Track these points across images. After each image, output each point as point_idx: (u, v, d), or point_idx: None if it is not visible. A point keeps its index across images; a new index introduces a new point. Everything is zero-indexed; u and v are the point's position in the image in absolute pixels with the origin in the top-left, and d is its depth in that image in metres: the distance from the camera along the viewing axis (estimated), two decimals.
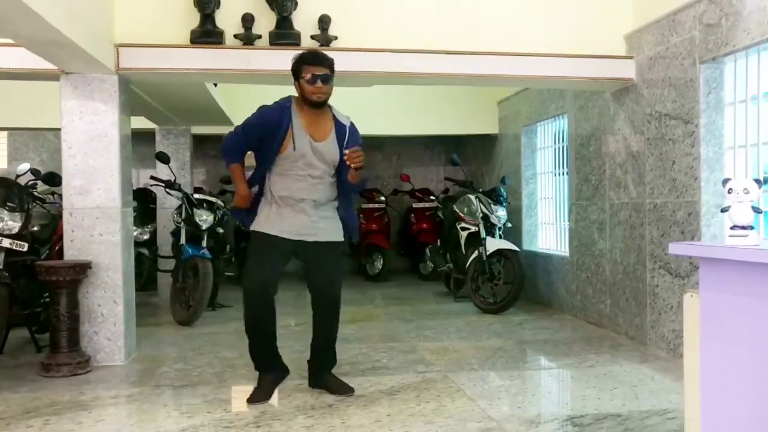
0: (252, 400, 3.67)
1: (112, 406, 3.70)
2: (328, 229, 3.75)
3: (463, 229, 7.05)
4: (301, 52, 3.78)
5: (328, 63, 3.65)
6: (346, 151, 3.57)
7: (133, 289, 4.91)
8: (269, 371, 3.79)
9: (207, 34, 4.59)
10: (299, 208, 3.67)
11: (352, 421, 3.36)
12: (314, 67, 3.60)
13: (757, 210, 2.36)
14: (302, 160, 3.64)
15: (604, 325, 5.64)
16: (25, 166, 6.55)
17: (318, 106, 3.67)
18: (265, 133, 3.64)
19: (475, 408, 3.56)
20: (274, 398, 3.75)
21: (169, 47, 4.57)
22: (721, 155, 4.33)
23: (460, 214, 7.09)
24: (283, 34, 4.65)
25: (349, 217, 3.88)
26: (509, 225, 7.05)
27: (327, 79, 3.61)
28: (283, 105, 3.69)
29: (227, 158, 3.78)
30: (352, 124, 3.83)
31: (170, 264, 6.70)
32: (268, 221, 3.68)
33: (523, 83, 6.25)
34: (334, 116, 3.77)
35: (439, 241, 7.92)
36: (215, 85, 6.53)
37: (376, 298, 7.77)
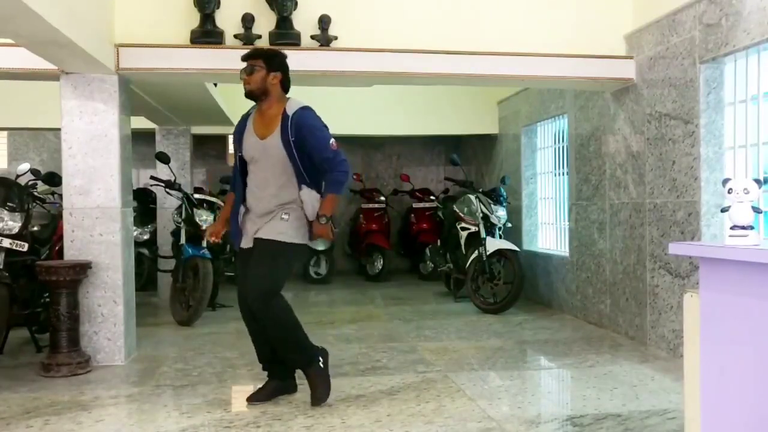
0: (251, 399, 3.67)
1: (112, 406, 3.70)
2: (268, 227, 3.53)
3: (463, 229, 7.05)
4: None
5: (249, 55, 3.67)
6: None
7: (133, 289, 4.91)
8: (273, 378, 3.73)
9: (207, 34, 4.59)
10: (253, 215, 3.63)
11: (352, 421, 3.36)
12: (243, 65, 3.66)
13: (757, 210, 2.36)
14: (252, 162, 3.63)
15: (604, 325, 5.64)
16: (25, 166, 6.55)
17: (252, 98, 3.64)
18: (238, 144, 3.71)
19: (475, 408, 3.56)
20: (274, 398, 3.74)
21: (169, 47, 4.57)
22: (721, 155, 4.33)
23: (460, 214, 7.09)
24: (283, 34, 4.65)
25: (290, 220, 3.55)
26: (509, 225, 7.05)
27: (249, 70, 3.59)
28: (247, 113, 3.75)
29: (229, 189, 3.90)
30: (300, 110, 3.55)
31: (170, 264, 6.70)
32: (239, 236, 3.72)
33: (523, 83, 6.25)
34: (285, 109, 3.58)
35: (439, 241, 7.92)
36: (215, 85, 6.53)
37: (376, 298, 7.77)
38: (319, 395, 3.59)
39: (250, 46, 4.61)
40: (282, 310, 3.52)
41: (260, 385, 3.77)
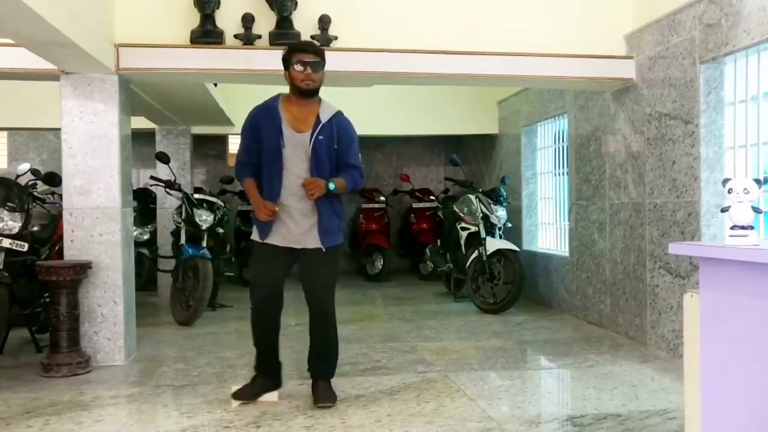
0: (237, 396, 3.66)
1: (112, 406, 3.70)
2: (322, 232, 3.57)
3: (463, 229, 7.05)
4: (291, 42, 3.73)
5: (319, 51, 3.60)
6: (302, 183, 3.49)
7: (133, 289, 4.91)
8: (263, 376, 3.73)
9: (207, 34, 4.59)
10: (286, 213, 3.54)
11: (352, 421, 3.36)
12: (304, 54, 3.54)
13: (757, 210, 2.36)
14: (285, 155, 3.53)
15: (604, 325, 5.64)
16: (25, 166, 6.55)
17: (307, 94, 3.57)
18: (259, 134, 3.57)
19: (475, 408, 3.56)
20: (274, 398, 3.74)
21: (169, 47, 4.57)
22: (721, 155, 4.33)
23: (460, 214, 7.09)
24: (283, 34, 4.65)
25: (330, 217, 3.62)
26: (509, 225, 7.05)
27: (317, 66, 3.53)
28: (270, 104, 3.63)
29: (239, 179, 3.72)
30: (335, 115, 3.64)
31: (170, 264, 6.70)
32: (270, 230, 3.59)
33: (523, 83, 6.25)
34: (319, 111, 3.62)
35: (439, 241, 7.92)
36: (215, 85, 6.53)
37: (376, 298, 7.77)
38: (332, 399, 3.65)
39: (250, 46, 4.63)
40: (334, 313, 3.71)
41: (247, 383, 3.75)
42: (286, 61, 3.58)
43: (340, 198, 3.69)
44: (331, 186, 3.50)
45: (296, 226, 3.55)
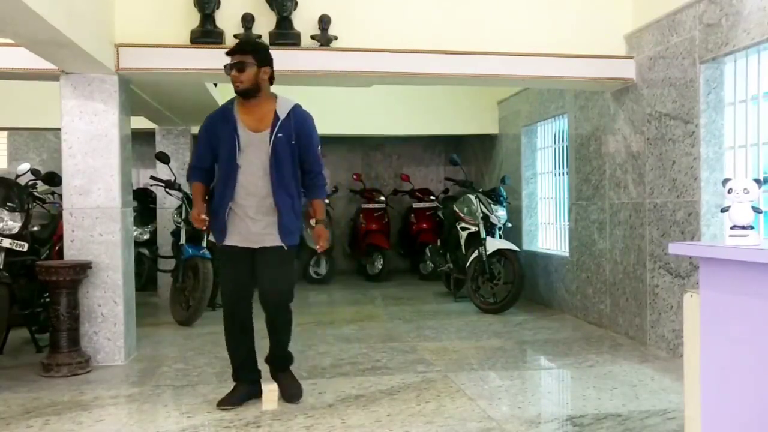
0: (222, 403, 3.59)
1: (112, 406, 3.70)
2: (277, 229, 3.53)
3: (463, 229, 7.05)
4: None
5: (241, 49, 3.51)
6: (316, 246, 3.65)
7: (133, 289, 4.92)
8: (245, 382, 3.70)
9: (207, 34, 4.59)
10: (243, 213, 3.52)
11: (352, 421, 3.36)
12: (229, 57, 3.49)
13: (757, 210, 2.36)
14: (241, 156, 3.48)
15: (604, 325, 5.64)
16: (25, 166, 6.55)
17: (243, 95, 3.50)
18: (214, 140, 3.54)
19: (475, 408, 3.56)
20: (274, 398, 3.74)
21: (169, 47, 4.57)
22: (721, 155, 4.33)
23: (460, 214, 7.09)
24: (283, 34, 4.65)
25: (289, 215, 3.56)
26: (509, 225, 7.05)
27: (241, 67, 3.43)
28: (225, 107, 3.60)
29: (189, 183, 3.71)
30: (293, 109, 3.56)
31: (170, 264, 6.70)
32: (227, 231, 3.57)
33: (523, 83, 6.25)
34: (277, 105, 3.56)
35: (439, 241, 7.92)
36: (215, 85, 6.53)
37: (376, 298, 7.77)
38: (298, 392, 3.70)
39: None
40: (291, 311, 3.70)
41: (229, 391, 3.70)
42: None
43: (300, 197, 3.65)
44: (322, 224, 3.66)
45: (255, 225, 3.52)
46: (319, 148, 3.67)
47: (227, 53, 3.53)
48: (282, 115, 3.53)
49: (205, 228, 3.66)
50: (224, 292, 3.68)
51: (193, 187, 3.67)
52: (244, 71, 3.46)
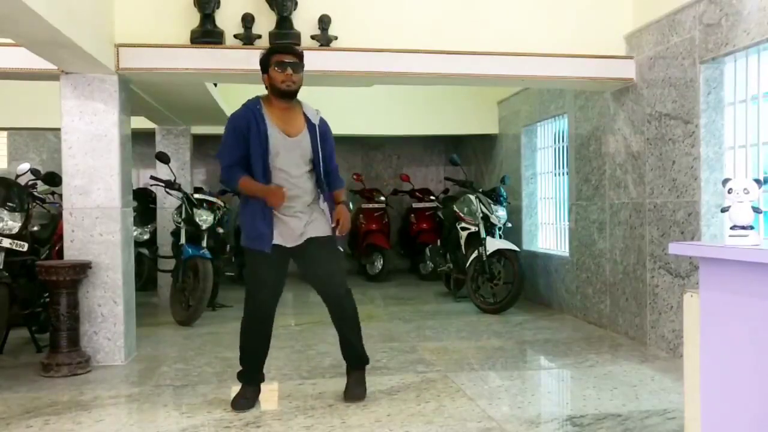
0: (239, 407, 3.57)
1: (112, 406, 3.70)
2: (321, 223, 3.61)
3: (463, 229, 7.05)
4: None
5: (298, 53, 3.58)
6: (335, 225, 3.59)
7: (133, 289, 4.91)
8: (255, 383, 3.69)
9: (207, 34, 4.59)
10: (282, 213, 3.52)
11: (352, 421, 3.36)
12: (284, 55, 3.51)
13: (757, 210, 2.36)
14: (277, 159, 3.51)
15: (604, 325, 5.64)
16: (25, 166, 6.54)
17: (288, 95, 3.53)
18: (245, 140, 3.49)
19: (475, 408, 3.56)
20: (274, 398, 3.74)
21: (169, 47, 4.57)
22: (721, 155, 4.33)
23: (460, 214, 7.09)
24: (283, 34, 4.65)
25: (324, 211, 3.65)
26: (509, 225, 7.05)
27: (296, 67, 3.51)
28: (250, 106, 3.55)
29: (231, 181, 3.55)
30: (321, 119, 3.68)
31: (170, 264, 6.70)
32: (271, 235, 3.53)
33: (523, 83, 6.25)
34: (304, 112, 3.63)
35: (439, 241, 7.92)
36: (215, 85, 6.53)
37: (376, 298, 7.77)
38: (361, 393, 3.72)
39: (250, 47, 4.63)
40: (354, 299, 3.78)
41: (238, 393, 3.67)
42: (265, 64, 3.54)
43: (328, 196, 3.71)
44: (350, 204, 3.61)
45: (298, 222, 3.54)
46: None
47: (283, 51, 3.55)
48: (314, 120, 3.62)
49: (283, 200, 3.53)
50: (254, 295, 3.58)
51: (244, 181, 3.50)
52: (299, 73, 3.55)
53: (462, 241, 7.04)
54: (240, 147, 3.51)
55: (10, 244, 4.51)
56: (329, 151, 3.68)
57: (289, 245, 3.55)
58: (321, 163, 3.61)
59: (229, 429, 3.28)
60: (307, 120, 3.61)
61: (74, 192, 4.54)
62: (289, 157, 3.53)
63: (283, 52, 3.55)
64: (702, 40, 4.29)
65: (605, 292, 5.64)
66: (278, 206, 3.47)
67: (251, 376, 3.67)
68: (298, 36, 4.67)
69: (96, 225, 4.55)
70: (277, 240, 3.52)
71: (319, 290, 3.69)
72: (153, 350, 5.07)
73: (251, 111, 3.53)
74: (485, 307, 6.54)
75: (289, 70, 3.48)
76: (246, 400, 3.61)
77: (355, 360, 3.80)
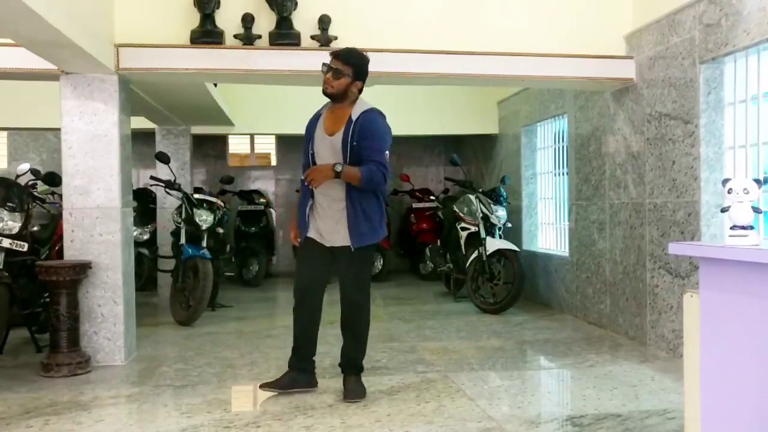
0: (266, 385, 3.78)
1: (112, 406, 3.70)
2: (352, 232, 3.65)
3: (463, 229, 7.05)
4: None
5: (341, 57, 3.65)
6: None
7: (133, 289, 4.91)
8: (295, 369, 3.82)
9: (207, 34, 4.59)
10: (318, 210, 3.71)
11: (352, 421, 3.36)
12: (330, 59, 3.66)
13: (757, 210, 2.36)
14: (317, 156, 3.69)
15: (604, 325, 5.64)
16: (25, 166, 6.54)
17: (328, 97, 3.69)
18: (308, 140, 3.75)
19: (475, 408, 3.56)
20: (274, 398, 3.74)
21: (169, 47, 4.57)
22: (721, 155, 4.33)
23: (460, 214, 7.09)
24: (283, 34, 4.65)
25: (357, 218, 3.64)
26: (509, 225, 7.05)
27: (335, 72, 3.61)
28: (320, 110, 3.80)
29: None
30: (363, 112, 3.65)
31: (170, 264, 6.69)
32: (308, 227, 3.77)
33: (523, 83, 6.25)
34: (351, 111, 3.68)
35: (439, 241, 7.92)
36: (215, 85, 6.53)
37: (376, 298, 7.75)
38: (360, 393, 3.75)
39: (250, 47, 4.63)
40: (367, 312, 3.85)
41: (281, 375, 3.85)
42: None
43: (369, 198, 3.67)
44: (338, 168, 3.53)
45: (324, 224, 3.69)
46: (386, 152, 3.64)
47: (331, 55, 3.67)
48: (354, 117, 3.65)
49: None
50: (296, 282, 3.80)
51: (298, 198, 3.94)
52: (338, 79, 3.62)
53: (462, 241, 7.04)
54: (306, 149, 3.76)
55: (10, 244, 4.51)
56: (365, 144, 3.58)
57: (320, 242, 3.71)
58: (349, 155, 3.58)
59: (229, 429, 3.28)
60: (349, 118, 3.66)
61: (74, 192, 4.54)
62: (325, 154, 3.66)
63: (331, 55, 3.68)
64: (702, 40, 4.29)
65: (605, 292, 5.64)
66: (312, 180, 3.55)
67: (291, 358, 3.85)
68: (298, 36, 4.67)
69: (96, 225, 4.55)
70: (311, 234, 3.71)
71: (340, 292, 3.83)
72: (153, 350, 5.07)
73: (316, 114, 3.79)
74: (485, 307, 6.54)
75: (328, 74, 3.62)
76: (277, 380, 3.80)
77: (346, 366, 3.86)
